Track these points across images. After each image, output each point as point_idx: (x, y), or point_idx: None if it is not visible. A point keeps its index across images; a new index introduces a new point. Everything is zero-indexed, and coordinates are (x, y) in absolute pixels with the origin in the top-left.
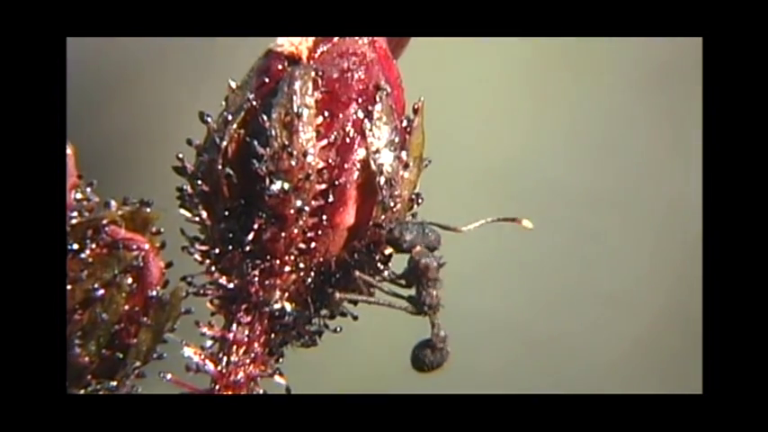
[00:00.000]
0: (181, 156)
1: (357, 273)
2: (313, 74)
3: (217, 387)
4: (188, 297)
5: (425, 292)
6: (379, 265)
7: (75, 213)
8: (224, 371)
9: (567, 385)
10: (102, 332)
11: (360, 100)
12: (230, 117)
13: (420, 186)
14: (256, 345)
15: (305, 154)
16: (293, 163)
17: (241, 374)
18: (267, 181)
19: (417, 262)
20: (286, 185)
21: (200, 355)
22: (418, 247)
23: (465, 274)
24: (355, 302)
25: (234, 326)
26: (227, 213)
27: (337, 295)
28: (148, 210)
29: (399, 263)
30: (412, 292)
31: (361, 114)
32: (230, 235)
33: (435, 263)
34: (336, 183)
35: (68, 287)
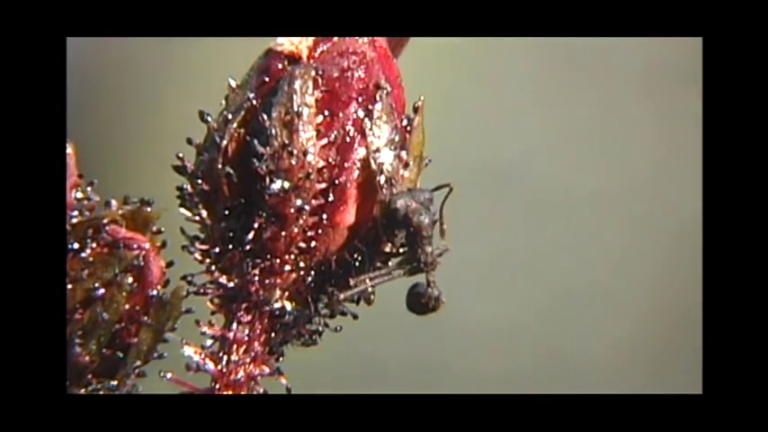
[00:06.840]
0: (181, 155)
1: (352, 279)
2: (313, 73)
3: (217, 386)
4: (188, 296)
5: (421, 250)
6: (378, 264)
7: (75, 212)
8: (224, 370)
9: (568, 386)
10: (103, 331)
11: (360, 99)
12: (230, 116)
13: (420, 185)
14: (256, 344)
15: (305, 153)
16: (293, 162)
17: (241, 373)
18: (267, 180)
19: (411, 219)
20: (286, 184)
21: (200, 354)
22: (413, 204)
23: (464, 275)
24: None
25: (234, 325)
26: (227, 212)
27: (341, 296)
28: (149, 209)
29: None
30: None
31: (361, 113)
32: (230, 234)
33: (428, 219)
34: (336, 182)
35: (69, 286)
